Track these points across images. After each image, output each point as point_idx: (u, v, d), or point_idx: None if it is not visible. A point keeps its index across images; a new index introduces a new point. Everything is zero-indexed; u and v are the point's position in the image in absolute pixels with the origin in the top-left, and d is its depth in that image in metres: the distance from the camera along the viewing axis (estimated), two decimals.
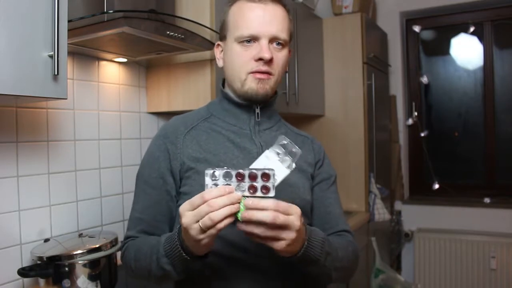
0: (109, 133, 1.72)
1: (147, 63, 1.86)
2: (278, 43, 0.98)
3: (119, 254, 1.12)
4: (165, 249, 0.83)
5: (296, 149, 0.82)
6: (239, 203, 0.74)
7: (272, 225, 0.74)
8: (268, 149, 0.82)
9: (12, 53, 0.99)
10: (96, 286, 1.32)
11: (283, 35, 0.98)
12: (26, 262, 1.35)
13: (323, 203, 1.07)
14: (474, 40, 3.27)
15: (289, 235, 0.76)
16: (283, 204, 0.75)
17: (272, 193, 0.76)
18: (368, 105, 2.63)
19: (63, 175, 1.53)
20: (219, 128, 1.03)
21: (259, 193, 0.76)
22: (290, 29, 1.02)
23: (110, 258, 1.37)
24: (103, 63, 1.70)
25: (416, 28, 3.32)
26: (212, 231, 0.73)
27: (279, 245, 0.77)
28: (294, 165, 0.82)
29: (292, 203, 0.97)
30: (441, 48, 3.45)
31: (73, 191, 1.57)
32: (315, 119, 2.70)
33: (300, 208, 0.98)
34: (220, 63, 1.06)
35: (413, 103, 3.41)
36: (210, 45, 1.52)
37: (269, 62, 0.96)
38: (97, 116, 1.68)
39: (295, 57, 2.24)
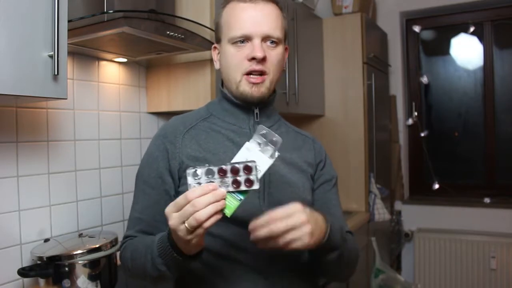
0: (109, 133, 1.72)
1: (147, 63, 1.86)
2: (272, 42, 0.97)
3: (119, 254, 1.12)
4: (158, 249, 0.83)
5: (276, 137, 0.81)
6: (224, 199, 0.74)
7: (278, 234, 0.75)
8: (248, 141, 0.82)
9: (12, 53, 0.99)
10: (96, 286, 1.32)
11: (276, 33, 0.97)
12: (26, 262, 1.35)
13: (326, 205, 1.07)
14: (474, 40, 3.27)
15: (303, 231, 0.77)
16: (278, 212, 0.77)
17: (256, 186, 0.76)
18: (368, 105, 2.63)
19: (63, 175, 1.53)
20: (218, 127, 1.03)
21: (243, 187, 0.76)
22: (284, 26, 1.02)
23: (110, 258, 1.37)
24: (103, 63, 1.70)
25: (416, 28, 3.32)
26: (199, 230, 0.73)
27: (301, 244, 0.78)
28: (277, 154, 0.81)
29: (292, 202, 0.98)
30: (441, 48, 3.45)
31: (73, 191, 1.57)
32: (315, 119, 2.70)
33: None
34: (217, 65, 1.06)
35: (413, 103, 3.41)
36: (210, 45, 1.52)
37: (263, 61, 0.95)
38: (97, 116, 1.68)
39: (295, 57, 2.24)
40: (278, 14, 1.00)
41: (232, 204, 0.76)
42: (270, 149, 0.81)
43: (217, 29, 1.04)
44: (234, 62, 0.98)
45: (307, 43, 2.44)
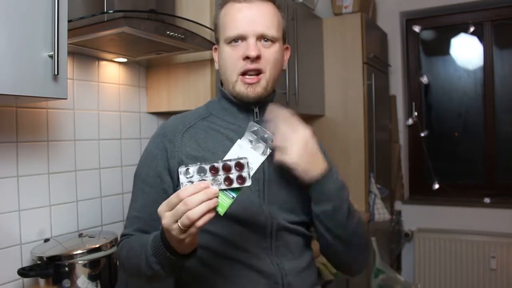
0: (109, 133, 1.72)
1: (147, 63, 1.86)
2: (267, 40, 0.97)
3: (116, 252, 1.12)
4: (152, 248, 0.83)
5: (268, 134, 0.81)
6: (217, 197, 0.74)
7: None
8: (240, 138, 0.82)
9: (12, 53, 0.99)
10: (96, 286, 1.32)
11: (271, 31, 0.97)
12: (26, 262, 1.35)
13: None
14: (474, 40, 3.27)
15: (293, 146, 0.87)
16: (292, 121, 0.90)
17: (248, 183, 0.76)
18: (368, 105, 2.63)
19: (63, 175, 1.53)
20: (217, 126, 1.03)
21: (235, 184, 0.76)
22: (281, 25, 1.01)
23: (110, 258, 1.37)
24: (103, 63, 1.70)
25: (416, 28, 3.31)
26: (192, 229, 0.73)
27: (288, 158, 0.87)
28: (269, 151, 0.81)
29: (291, 201, 0.98)
30: (441, 48, 3.45)
31: (73, 191, 1.57)
32: (315, 119, 2.70)
33: (300, 205, 0.99)
34: (217, 66, 1.07)
35: (413, 103, 3.41)
36: (210, 45, 1.52)
37: (257, 59, 0.95)
38: (97, 116, 1.67)
39: (295, 57, 2.24)
40: (274, 12, 1.00)
41: (225, 202, 0.76)
42: (262, 146, 0.81)
43: (215, 30, 1.05)
44: (230, 62, 0.98)
45: (307, 43, 2.44)
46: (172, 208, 0.74)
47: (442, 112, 3.43)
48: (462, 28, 3.29)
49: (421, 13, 3.34)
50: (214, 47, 1.08)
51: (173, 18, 1.49)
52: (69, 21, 1.13)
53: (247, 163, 0.76)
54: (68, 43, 1.12)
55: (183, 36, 1.44)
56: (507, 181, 3.18)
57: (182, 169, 0.75)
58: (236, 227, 0.94)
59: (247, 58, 0.95)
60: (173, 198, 0.74)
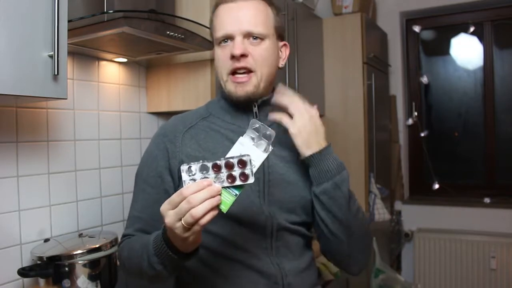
0: (109, 133, 1.72)
1: (147, 63, 1.86)
2: (255, 38, 0.96)
3: (117, 253, 1.12)
4: (154, 248, 0.83)
5: (270, 131, 0.81)
6: (220, 195, 0.74)
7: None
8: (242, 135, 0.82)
9: (12, 53, 0.99)
10: (96, 286, 1.32)
11: (258, 29, 0.96)
12: (26, 262, 1.35)
13: None
14: (474, 40, 3.27)
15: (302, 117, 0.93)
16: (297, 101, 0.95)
17: (251, 180, 0.76)
18: (368, 105, 2.63)
19: (63, 175, 1.53)
20: (217, 127, 1.03)
21: (238, 182, 0.75)
22: (270, 21, 1.00)
23: (110, 258, 1.37)
24: (103, 63, 1.70)
25: (416, 28, 3.31)
26: (196, 227, 0.73)
27: (286, 121, 0.94)
28: (271, 148, 0.81)
29: (292, 201, 0.98)
30: (441, 48, 3.45)
31: (73, 191, 1.57)
32: None
33: (301, 206, 0.99)
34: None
35: (413, 103, 3.41)
36: (210, 45, 1.52)
37: (244, 57, 0.95)
38: (97, 116, 1.67)
39: (295, 57, 2.24)
40: (261, 9, 0.99)
41: (228, 199, 0.76)
42: (263, 143, 0.81)
43: (211, 33, 1.05)
44: (220, 62, 0.99)
45: (307, 43, 2.44)
46: (175, 206, 0.73)
47: (442, 112, 3.43)
48: (462, 28, 3.28)
49: (421, 13, 3.34)
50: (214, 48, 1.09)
51: (173, 18, 1.49)
52: (69, 21, 1.13)
53: (250, 160, 0.76)
54: (68, 43, 1.12)
55: (183, 36, 1.44)
56: (507, 181, 3.18)
57: (184, 167, 0.75)
58: (236, 227, 0.94)
59: (233, 57, 0.95)
60: (176, 196, 0.74)
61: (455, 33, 3.35)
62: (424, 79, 3.36)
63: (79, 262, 1.28)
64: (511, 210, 2.99)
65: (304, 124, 0.93)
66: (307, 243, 1.04)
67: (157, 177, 0.99)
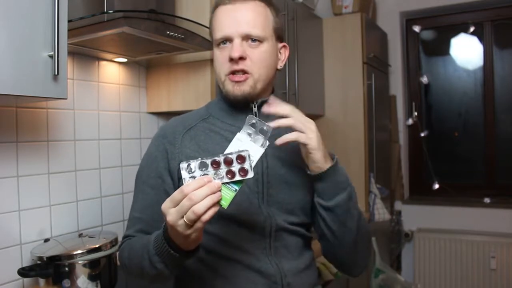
0: (109, 133, 1.72)
1: (147, 63, 1.86)
2: (253, 40, 0.96)
3: (117, 254, 1.12)
4: (155, 247, 0.83)
5: (266, 126, 0.82)
6: (219, 191, 0.74)
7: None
8: (239, 131, 0.82)
9: (12, 53, 0.99)
10: (96, 286, 1.32)
11: (256, 31, 0.96)
12: (26, 262, 1.35)
13: None
14: (474, 40, 3.27)
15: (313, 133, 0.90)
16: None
17: (250, 174, 0.76)
18: (368, 105, 2.63)
19: (63, 175, 1.53)
20: (217, 128, 1.03)
21: (237, 177, 0.76)
22: (269, 23, 0.99)
23: (110, 258, 1.37)
24: (103, 63, 1.70)
25: (416, 28, 3.31)
26: (198, 224, 0.73)
27: (307, 140, 0.89)
28: (267, 143, 0.81)
29: (291, 202, 0.98)
30: (441, 48, 3.45)
31: (73, 191, 1.57)
32: (315, 119, 2.65)
33: (300, 207, 0.99)
34: None
35: (413, 103, 3.41)
36: (210, 45, 1.50)
37: (242, 60, 0.95)
38: (97, 116, 1.68)
39: (295, 57, 2.24)
40: (260, 11, 0.98)
41: (227, 195, 0.76)
42: (260, 138, 0.81)
43: (210, 33, 1.05)
44: (218, 63, 0.99)
45: (307, 43, 2.44)
46: (176, 204, 0.74)
47: (442, 112, 3.43)
48: (462, 28, 3.28)
49: (421, 13, 3.34)
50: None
51: (173, 18, 1.50)
52: (69, 21, 1.13)
53: (249, 155, 0.76)
54: (68, 43, 1.12)
55: (183, 36, 1.44)
56: (507, 181, 3.18)
57: (183, 165, 0.75)
58: (235, 228, 0.94)
59: (232, 59, 0.95)
60: (177, 194, 0.74)
61: (455, 33, 3.35)
62: (424, 79, 3.36)
63: (79, 262, 1.28)
64: (511, 210, 2.99)
65: (317, 137, 0.91)
66: (306, 243, 1.04)
67: (157, 178, 0.99)
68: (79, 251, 1.29)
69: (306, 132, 0.89)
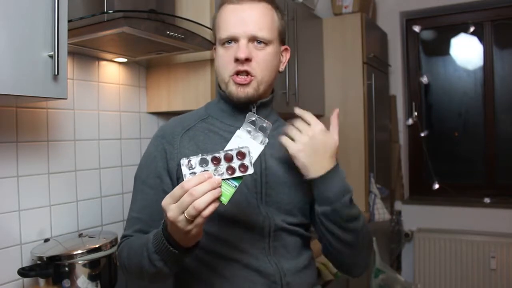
0: (109, 133, 1.72)
1: (147, 63, 1.86)
2: (259, 42, 0.97)
3: (116, 254, 1.12)
4: (154, 245, 0.83)
5: (266, 123, 0.82)
6: (220, 187, 0.75)
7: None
8: (239, 129, 0.83)
9: (12, 53, 0.99)
10: (96, 286, 1.32)
11: (263, 33, 0.96)
12: (26, 262, 1.35)
13: None
14: (474, 40, 3.27)
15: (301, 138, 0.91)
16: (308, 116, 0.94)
17: (250, 170, 0.77)
18: (368, 105, 2.63)
19: (63, 175, 1.53)
20: (216, 128, 1.03)
21: (237, 173, 0.76)
22: (275, 26, 1.00)
23: (110, 258, 1.37)
24: (103, 63, 1.70)
25: (416, 28, 3.31)
26: (199, 220, 0.73)
27: (288, 144, 0.92)
28: (267, 140, 0.82)
29: (289, 202, 0.98)
30: (441, 48, 3.45)
31: (73, 191, 1.57)
32: None
33: (298, 207, 0.99)
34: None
35: (413, 103, 3.41)
36: (210, 45, 1.52)
37: (248, 61, 0.95)
38: (97, 116, 1.67)
39: (295, 57, 2.24)
40: (267, 13, 0.99)
41: (227, 191, 0.76)
42: (260, 135, 0.82)
43: (213, 31, 1.05)
44: (223, 63, 0.98)
45: (307, 43, 2.44)
46: (176, 200, 0.74)
47: (442, 112, 3.43)
48: (462, 28, 3.29)
49: (421, 13, 3.34)
50: (214, 47, 1.08)
51: (173, 18, 1.49)
52: (69, 21, 1.13)
53: (249, 151, 0.77)
54: (68, 43, 1.12)
55: (183, 36, 1.43)
56: (507, 181, 3.18)
57: (184, 161, 0.76)
58: (234, 228, 0.95)
59: (237, 60, 0.95)
60: (177, 190, 0.74)
61: (455, 33, 3.35)
62: (424, 79, 3.36)
63: (79, 262, 1.28)
64: (511, 210, 2.99)
65: (301, 148, 0.92)
66: (305, 243, 1.04)
67: (156, 178, 0.99)
68: (79, 251, 1.29)
69: (294, 136, 0.92)
